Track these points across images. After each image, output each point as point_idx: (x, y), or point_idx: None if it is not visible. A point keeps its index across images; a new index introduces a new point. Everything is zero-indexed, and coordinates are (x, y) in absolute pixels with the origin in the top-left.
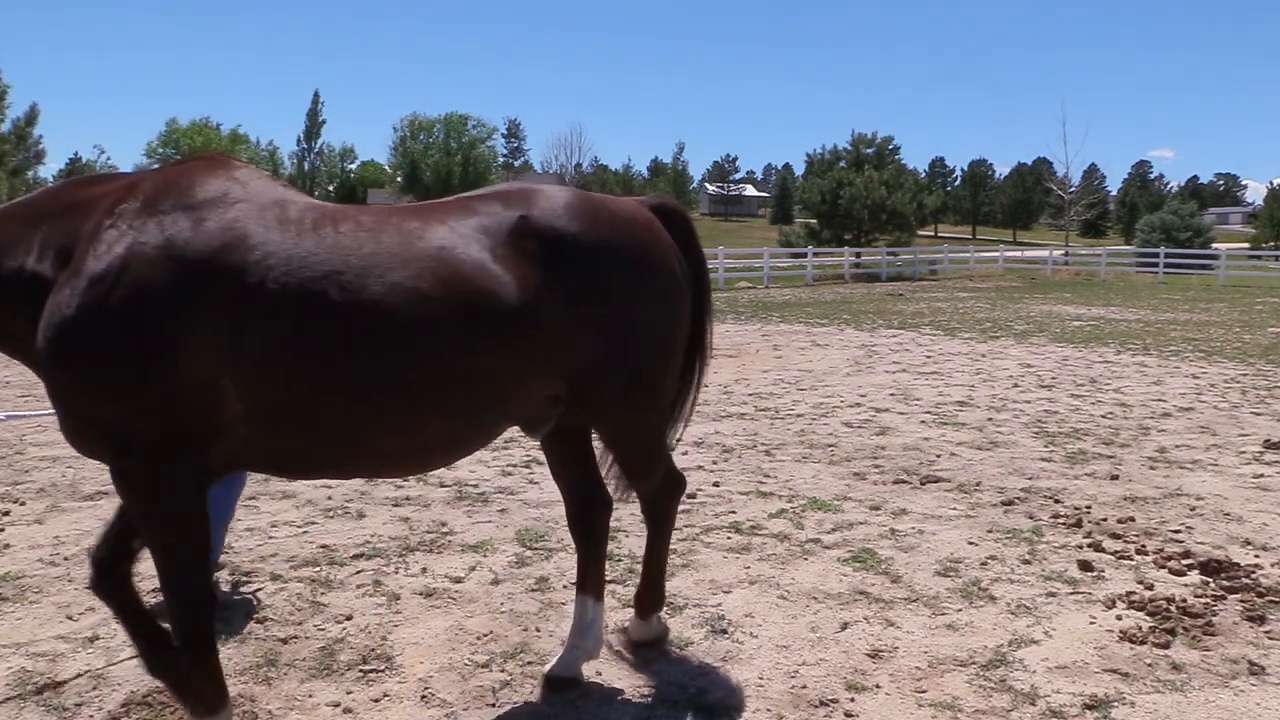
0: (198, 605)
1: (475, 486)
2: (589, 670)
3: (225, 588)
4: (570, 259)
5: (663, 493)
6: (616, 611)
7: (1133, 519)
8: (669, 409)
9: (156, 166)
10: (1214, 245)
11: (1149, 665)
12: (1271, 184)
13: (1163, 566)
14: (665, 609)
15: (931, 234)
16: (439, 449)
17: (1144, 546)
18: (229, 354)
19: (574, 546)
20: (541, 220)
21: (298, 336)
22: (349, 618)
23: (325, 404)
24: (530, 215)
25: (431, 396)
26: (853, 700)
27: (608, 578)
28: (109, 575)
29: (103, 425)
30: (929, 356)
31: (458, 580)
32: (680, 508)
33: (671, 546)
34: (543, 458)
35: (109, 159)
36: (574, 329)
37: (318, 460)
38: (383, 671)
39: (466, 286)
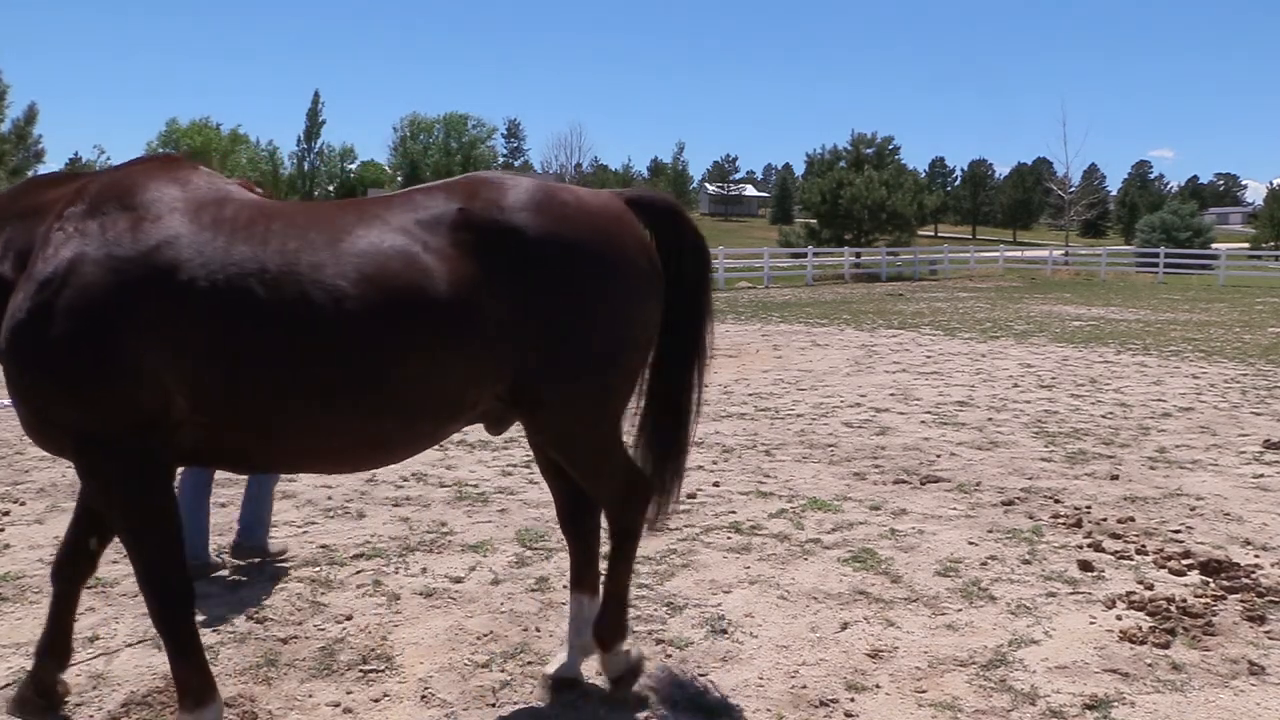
0: (171, 596)
1: (475, 486)
2: (588, 670)
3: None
4: (511, 251)
5: (623, 500)
6: None
7: (1133, 519)
8: (621, 410)
9: (107, 168)
10: (1214, 245)
11: (1149, 665)
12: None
13: (1163, 566)
14: (665, 609)
15: (931, 234)
16: (379, 446)
17: (1144, 546)
18: (167, 353)
19: (566, 545)
20: (481, 212)
21: (227, 335)
22: (349, 618)
23: (257, 402)
24: (469, 207)
25: (359, 394)
26: (853, 700)
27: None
28: (66, 566)
29: (59, 423)
30: (929, 356)
31: (458, 580)
32: (680, 508)
33: (671, 546)
34: None
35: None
36: (514, 325)
37: (262, 457)
38: (383, 671)
39: (391, 282)
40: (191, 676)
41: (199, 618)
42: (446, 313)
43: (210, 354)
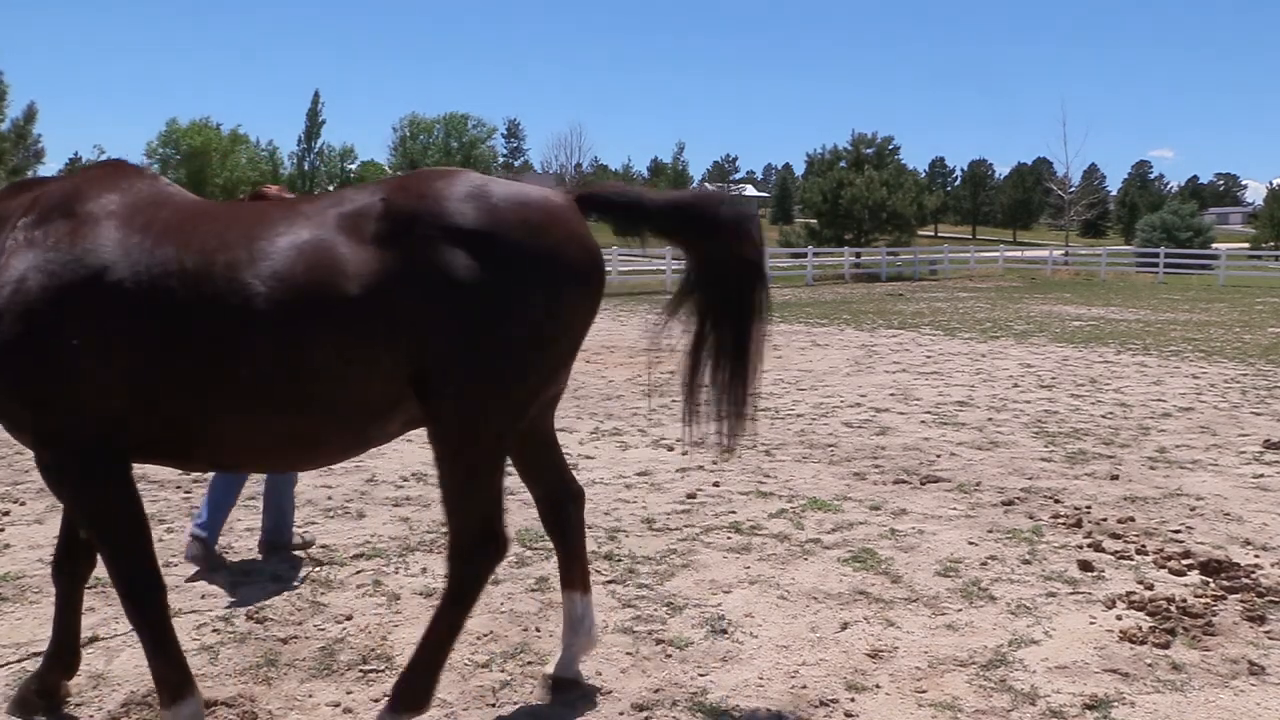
0: (140, 590)
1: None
2: (588, 670)
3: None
4: (428, 243)
5: (470, 548)
6: (616, 611)
7: (1133, 519)
8: (507, 429)
9: (61, 175)
10: (1214, 245)
11: (1149, 665)
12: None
13: (1163, 566)
14: (665, 609)
15: (931, 234)
16: (309, 443)
17: (1144, 546)
18: (103, 353)
19: (552, 544)
20: (402, 203)
21: (151, 335)
22: (349, 618)
23: (184, 400)
24: (391, 199)
25: (274, 390)
26: (853, 700)
27: (607, 577)
28: (65, 562)
29: (18, 425)
30: (929, 356)
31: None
32: (680, 508)
33: (671, 547)
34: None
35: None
36: (424, 322)
37: (204, 454)
38: (383, 671)
39: (301, 277)
40: (168, 672)
41: (198, 618)
42: (358, 306)
43: (139, 354)
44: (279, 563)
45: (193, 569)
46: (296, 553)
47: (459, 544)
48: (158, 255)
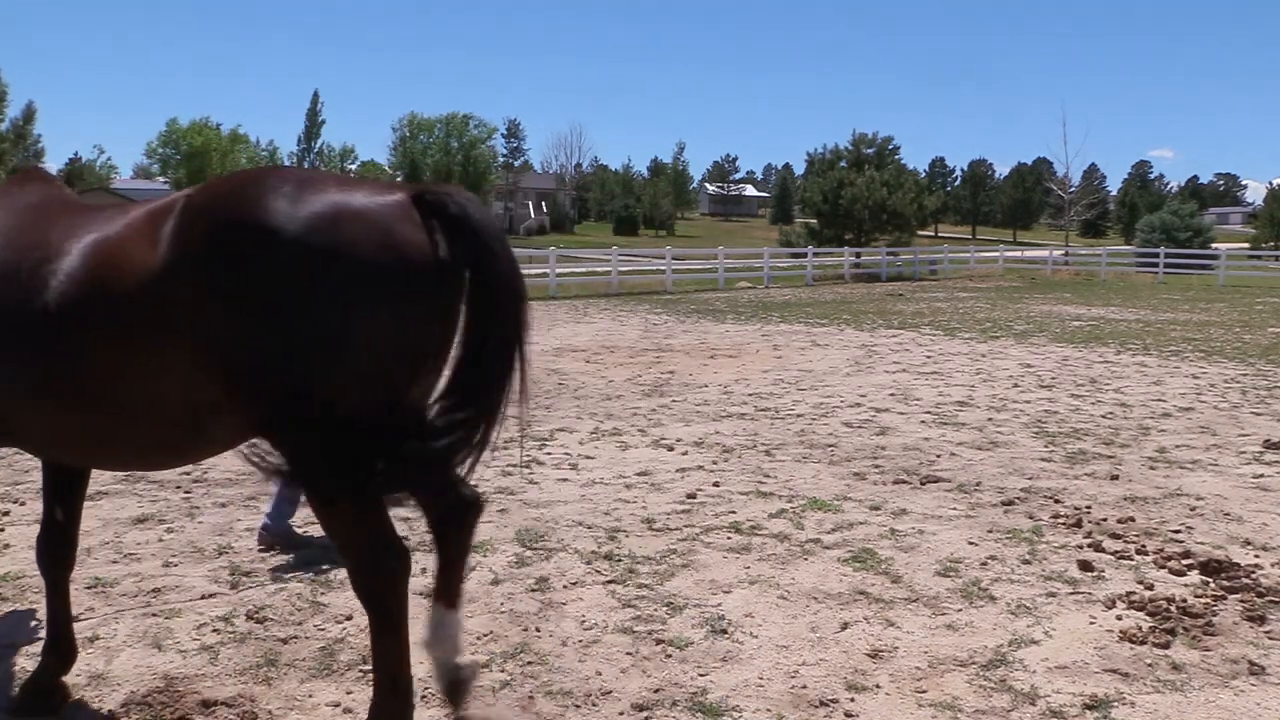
0: None
1: (475, 486)
2: (589, 670)
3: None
4: (208, 244)
5: (361, 567)
6: (616, 611)
7: (1133, 519)
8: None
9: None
10: (1214, 245)
11: (1149, 665)
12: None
13: (1163, 566)
14: (665, 609)
15: (931, 234)
16: (106, 444)
17: (1144, 546)
18: None
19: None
20: (196, 202)
21: None
22: (349, 618)
23: (10, 400)
24: (191, 197)
25: (63, 388)
26: (853, 700)
27: (607, 577)
28: (46, 551)
29: None
30: (929, 356)
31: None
32: (680, 508)
33: (671, 547)
34: (543, 458)
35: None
36: (212, 323)
37: (47, 452)
38: None
39: (89, 276)
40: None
41: (198, 618)
42: (139, 305)
43: None
44: (279, 561)
45: (192, 569)
46: (289, 552)
47: (351, 564)
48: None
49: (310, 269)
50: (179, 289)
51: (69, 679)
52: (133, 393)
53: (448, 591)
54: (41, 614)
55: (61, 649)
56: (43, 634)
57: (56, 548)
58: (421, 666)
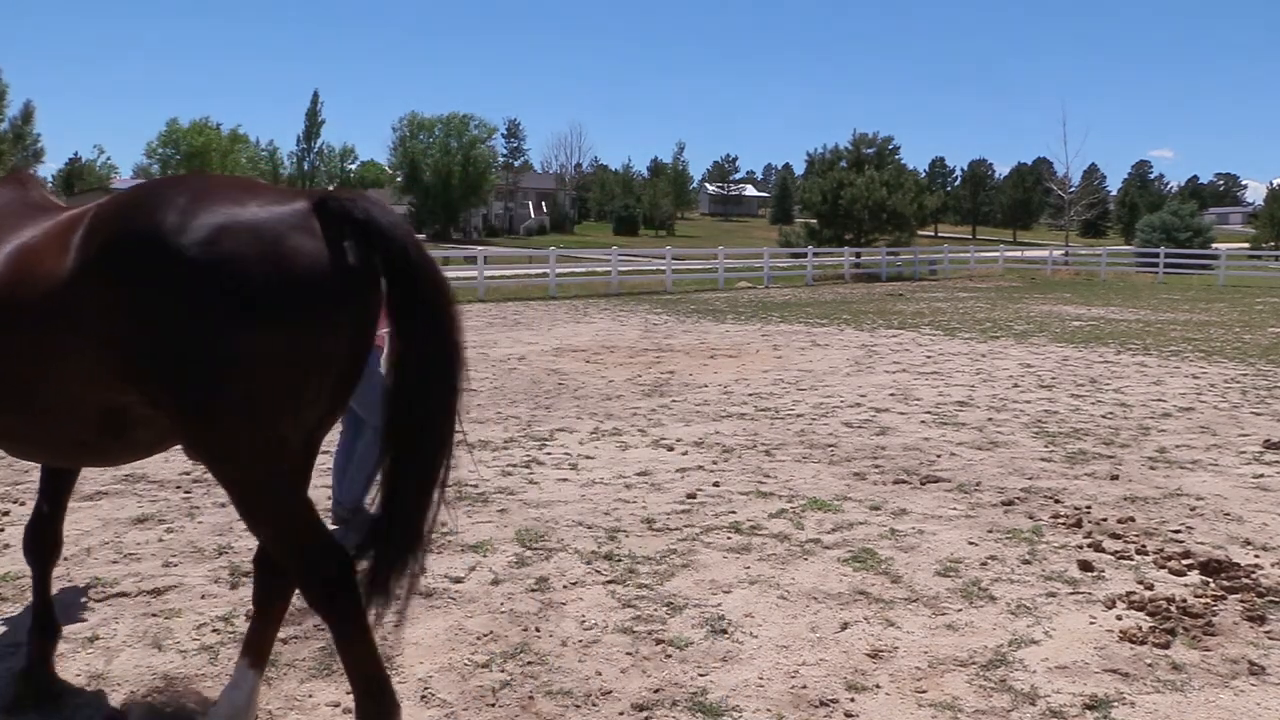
0: None
1: (475, 486)
2: (589, 670)
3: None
4: (104, 252)
5: (301, 576)
6: (616, 611)
7: (1133, 519)
8: (267, 441)
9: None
10: (1214, 245)
11: (1149, 665)
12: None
13: (1163, 566)
14: (665, 609)
15: (931, 234)
16: (16, 441)
17: (1144, 546)
18: None
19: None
20: (103, 210)
21: None
22: None
23: None
24: (103, 207)
25: (6, 392)
26: (853, 700)
27: (607, 577)
28: (34, 539)
29: None
30: (929, 356)
31: (458, 580)
32: (680, 508)
33: (671, 547)
34: (543, 458)
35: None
36: (123, 339)
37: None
38: None
39: (14, 282)
40: None
41: (198, 618)
42: (44, 311)
43: None
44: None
45: (192, 569)
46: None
47: (295, 574)
48: None
49: (192, 285)
50: (82, 297)
51: (70, 680)
52: (50, 396)
53: (264, 650)
54: None
55: (49, 626)
56: None
57: (40, 541)
58: (421, 666)
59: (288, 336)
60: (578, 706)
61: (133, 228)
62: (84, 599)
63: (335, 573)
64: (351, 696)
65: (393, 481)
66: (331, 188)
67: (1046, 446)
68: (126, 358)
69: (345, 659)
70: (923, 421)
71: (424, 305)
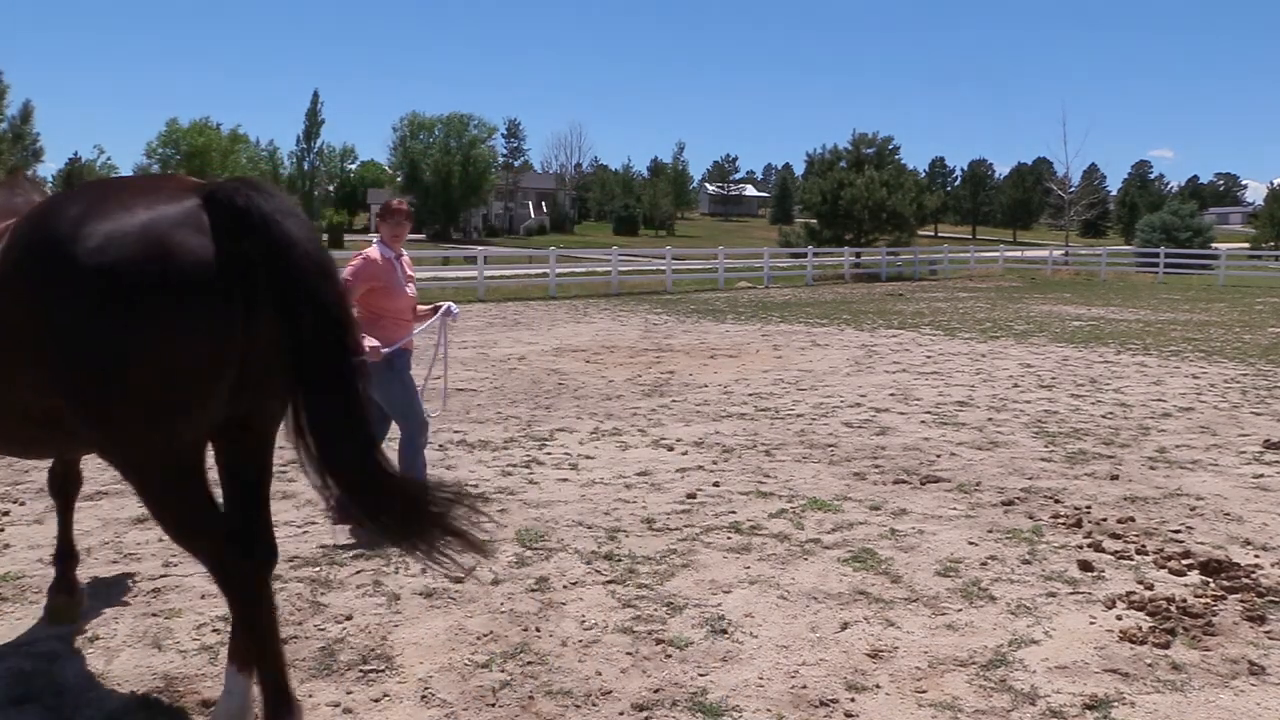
0: None
1: (475, 487)
2: (588, 670)
3: None
4: (23, 270)
5: (212, 566)
6: (616, 611)
7: (1133, 519)
8: (159, 442)
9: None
10: (1214, 245)
11: (1149, 665)
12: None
13: (1163, 566)
14: (665, 609)
15: (931, 234)
16: (16, 441)
17: (1144, 546)
18: None
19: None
20: (22, 222)
21: None
22: (349, 618)
23: None
24: (26, 215)
25: None
26: (853, 700)
27: (607, 577)
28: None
29: None
30: (929, 356)
31: (457, 580)
32: (680, 508)
33: (671, 547)
34: (543, 458)
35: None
36: (34, 346)
37: None
38: (383, 671)
39: None
40: None
41: (198, 618)
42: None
43: None
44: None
45: (192, 568)
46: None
47: (207, 566)
48: None
49: (82, 291)
50: (5, 305)
51: (71, 680)
52: (10, 402)
53: (245, 653)
54: (39, 614)
55: (71, 552)
56: (44, 637)
57: (63, 477)
58: (421, 666)
59: (171, 332)
60: (578, 706)
61: (34, 238)
62: (131, 583)
63: (242, 566)
64: (352, 696)
65: (329, 450)
66: (224, 178)
67: (1046, 446)
68: (50, 366)
69: (244, 642)
70: (923, 421)
71: (304, 285)
